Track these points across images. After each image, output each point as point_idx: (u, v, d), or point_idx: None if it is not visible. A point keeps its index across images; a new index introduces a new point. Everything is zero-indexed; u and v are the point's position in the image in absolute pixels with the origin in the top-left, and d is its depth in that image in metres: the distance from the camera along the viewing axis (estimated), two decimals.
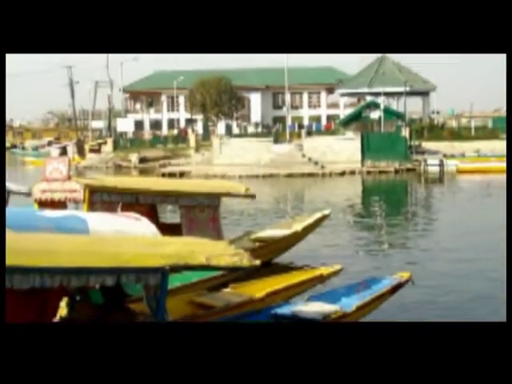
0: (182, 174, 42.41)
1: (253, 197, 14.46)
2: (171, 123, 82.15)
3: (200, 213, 12.99)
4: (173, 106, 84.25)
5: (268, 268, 11.84)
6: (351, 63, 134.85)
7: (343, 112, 64.77)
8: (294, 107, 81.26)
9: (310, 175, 40.40)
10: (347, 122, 54.51)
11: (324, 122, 79.31)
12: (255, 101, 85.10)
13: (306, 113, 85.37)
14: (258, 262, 6.59)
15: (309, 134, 56.05)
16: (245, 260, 6.43)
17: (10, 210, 9.28)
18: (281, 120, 71.10)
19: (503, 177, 36.36)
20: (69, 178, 12.07)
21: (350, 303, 9.18)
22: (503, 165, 40.05)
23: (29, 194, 13.17)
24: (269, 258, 13.59)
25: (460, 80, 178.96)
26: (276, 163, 42.03)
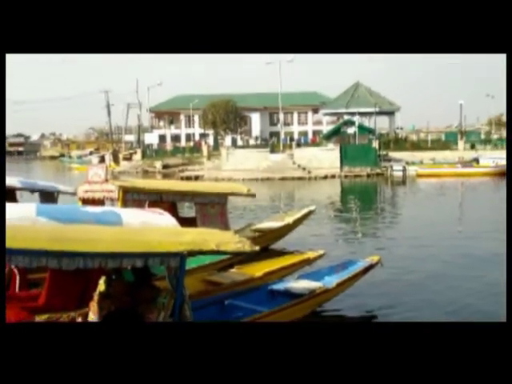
0: (196, 178, 42.34)
1: (253, 196, 14.44)
2: (188, 137, 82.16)
3: (211, 208, 12.97)
4: (189, 123, 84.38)
5: (265, 253, 11.83)
6: (332, 89, 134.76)
7: (326, 128, 64.85)
8: (286, 124, 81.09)
9: (299, 179, 40.33)
10: (329, 136, 54.51)
11: (310, 136, 79.14)
12: (255, 119, 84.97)
13: (296, 129, 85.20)
14: (257, 248, 6.58)
15: (298, 145, 55.94)
16: (247, 246, 6.42)
17: (59, 207, 9.26)
18: (276, 134, 71.01)
19: (454, 179, 36.48)
20: (106, 180, 12.05)
21: (331, 281, 9.17)
22: (453, 170, 40.18)
23: (74, 194, 13.15)
24: (266, 244, 13.57)
25: (419, 102, 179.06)
26: (272, 169, 41.97)
